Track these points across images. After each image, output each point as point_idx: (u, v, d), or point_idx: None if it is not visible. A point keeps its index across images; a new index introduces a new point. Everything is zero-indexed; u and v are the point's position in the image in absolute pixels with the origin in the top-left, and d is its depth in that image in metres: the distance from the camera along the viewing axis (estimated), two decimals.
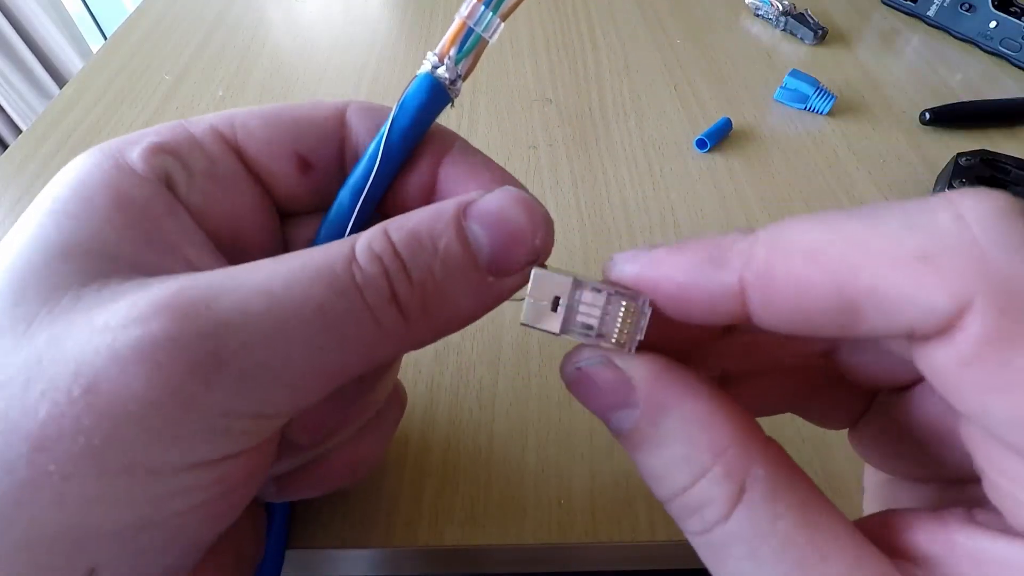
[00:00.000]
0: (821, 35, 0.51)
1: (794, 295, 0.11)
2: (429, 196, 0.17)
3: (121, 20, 0.54)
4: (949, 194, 0.10)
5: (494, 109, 0.44)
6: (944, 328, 0.10)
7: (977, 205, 0.10)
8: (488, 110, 0.44)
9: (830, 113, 0.44)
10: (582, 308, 0.14)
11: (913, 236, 0.10)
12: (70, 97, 0.45)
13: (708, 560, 0.12)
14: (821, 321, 0.11)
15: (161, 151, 0.15)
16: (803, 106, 0.44)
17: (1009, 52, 0.49)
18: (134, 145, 0.15)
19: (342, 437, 0.18)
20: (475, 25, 0.16)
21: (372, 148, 0.17)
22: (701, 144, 0.40)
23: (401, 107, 0.16)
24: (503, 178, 0.17)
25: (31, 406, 0.11)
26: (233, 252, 0.16)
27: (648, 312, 0.13)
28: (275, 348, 0.12)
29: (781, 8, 0.52)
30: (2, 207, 0.37)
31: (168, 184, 0.15)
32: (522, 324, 0.14)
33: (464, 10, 0.16)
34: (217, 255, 0.15)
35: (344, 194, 0.17)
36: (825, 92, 0.44)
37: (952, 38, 0.53)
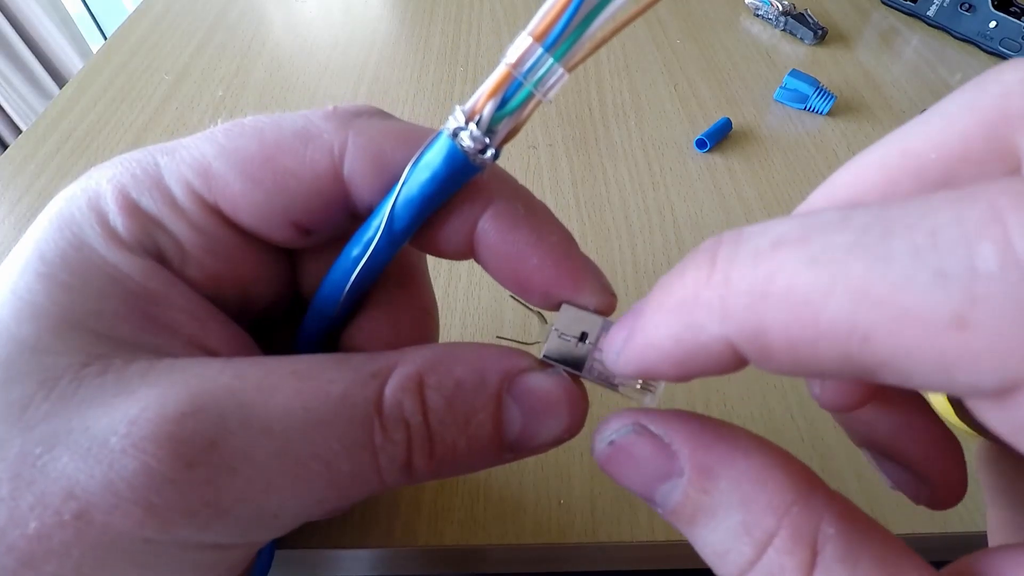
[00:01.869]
0: (821, 35, 0.51)
1: (793, 358, 0.09)
2: (462, 252, 0.15)
3: (121, 20, 0.54)
4: (982, 189, 0.07)
5: None
6: (996, 396, 0.07)
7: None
8: None
9: (830, 113, 0.44)
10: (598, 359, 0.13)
11: (943, 291, 0.07)
12: (70, 97, 0.45)
13: None
14: (832, 378, 0.10)
15: (148, 220, 0.14)
16: (803, 106, 0.44)
17: (1009, 52, 0.49)
18: (112, 201, 0.13)
19: None
20: (526, 75, 0.11)
21: (371, 224, 0.14)
22: (701, 144, 0.40)
23: (411, 173, 0.13)
24: (556, 244, 0.14)
25: (20, 517, 0.11)
26: (244, 301, 0.15)
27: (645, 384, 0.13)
28: (275, 497, 0.12)
29: (781, 8, 0.52)
30: (2, 207, 0.37)
31: (160, 260, 0.14)
32: (544, 357, 0.14)
33: (512, 54, 0.11)
34: (225, 321, 0.15)
35: (335, 275, 0.14)
36: (825, 92, 0.44)
37: (952, 38, 0.53)
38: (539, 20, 0.11)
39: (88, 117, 0.43)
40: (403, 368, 0.13)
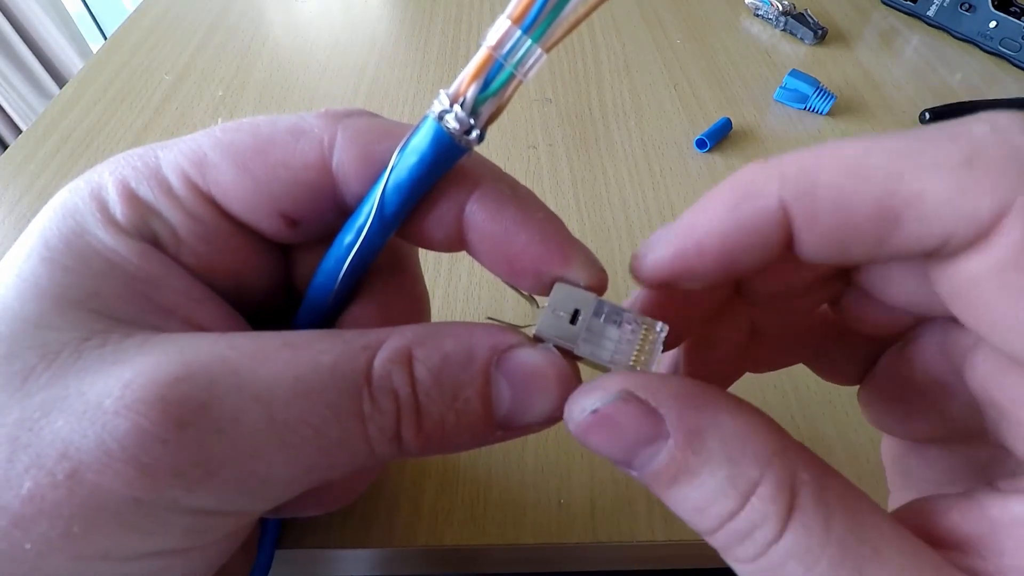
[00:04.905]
0: (821, 35, 0.51)
1: (836, 207, 0.11)
2: (452, 239, 0.15)
3: (121, 20, 0.54)
4: (982, 114, 0.10)
5: None
6: (982, 234, 0.10)
7: (1012, 121, 0.10)
8: None
9: (830, 113, 0.44)
10: (599, 329, 0.13)
11: (956, 144, 0.10)
12: (70, 97, 0.45)
13: None
14: (860, 236, 0.11)
15: (145, 208, 0.14)
16: (803, 106, 0.44)
17: (1009, 52, 0.49)
18: (113, 191, 0.14)
19: None
20: (506, 57, 0.12)
21: (363, 210, 0.14)
22: (701, 144, 0.40)
23: (400, 158, 0.13)
24: (543, 221, 0.15)
25: (15, 478, 0.11)
26: (238, 292, 0.16)
27: (663, 340, 0.13)
28: (263, 462, 0.12)
29: (781, 8, 0.52)
30: (2, 207, 0.37)
31: (157, 244, 0.14)
32: (536, 335, 0.14)
33: (492, 37, 0.12)
34: (219, 303, 0.15)
35: (328, 263, 0.15)
36: (825, 92, 0.44)
37: (952, 38, 0.53)
38: (516, 3, 0.11)
39: (88, 117, 0.43)
40: (393, 341, 0.13)
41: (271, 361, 0.12)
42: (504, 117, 0.48)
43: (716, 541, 0.12)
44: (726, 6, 0.56)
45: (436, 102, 0.13)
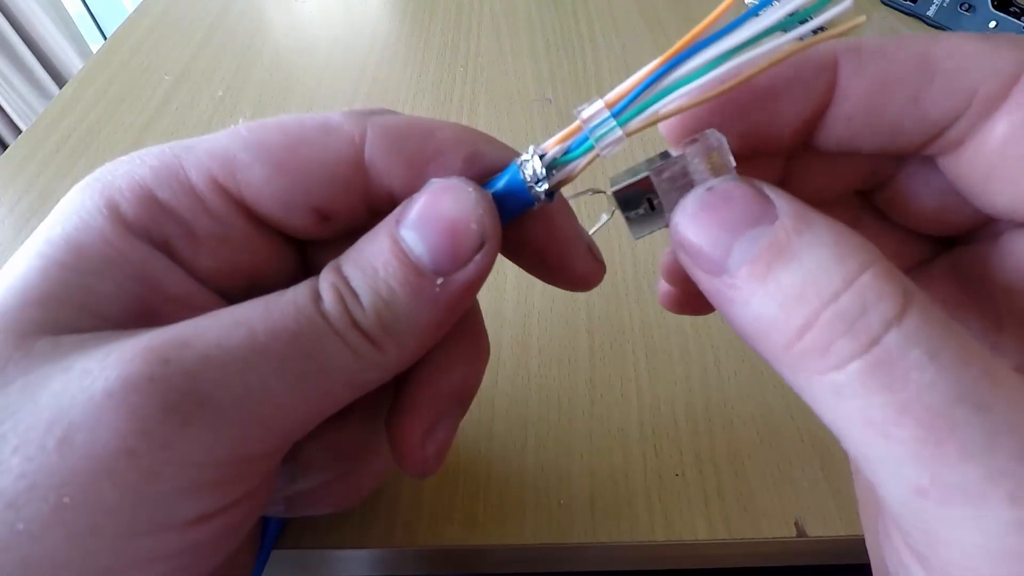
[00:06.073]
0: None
1: (880, 55, 0.13)
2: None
3: (121, 20, 0.54)
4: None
5: (494, 109, 0.44)
6: (1005, 88, 0.12)
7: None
8: (488, 110, 0.44)
9: None
10: (671, 183, 0.14)
11: (976, 33, 0.13)
12: (70, 97, 0.45)
13: (874, 394, 0.10)
14: (899, 87, 0.13)
15: (160, 210, 0.14)
16: None
17: None
18: (127, 191, 0.14)
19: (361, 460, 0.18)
20: (592, 131, 0.14)
21: None
22: None
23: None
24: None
25: (4, 460, 0.11)
26: (250, 295, 0.16)
27: (724, 138, 0.13)
28: (254, 379, 0.12)
29: None
30: (2, 207, 0.37)
31: (169, 247, 0.14)
32: (636, 239, 0.15)
33: (585, 111, 0.14)
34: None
35: None
36: None
37: None
38: (615, 91, 0.13)
39: (88, 117, 0.43)
40: (325, 268, 0.14)
41: (239, 308, 0.13)
42: (504, 117, 0.48)
43: (809, 341, 0.10)
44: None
45: (524, 152, 0.14)
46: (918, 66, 0.13)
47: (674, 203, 0.13)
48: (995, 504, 0.09)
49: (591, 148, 0.14)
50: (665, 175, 0.14)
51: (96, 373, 0.11)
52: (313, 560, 0.24)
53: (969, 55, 0.12)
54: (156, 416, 0.11)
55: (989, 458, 0.09)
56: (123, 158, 0.15)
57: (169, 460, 0.11)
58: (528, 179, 0.14)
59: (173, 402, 0.11)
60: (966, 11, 0.51)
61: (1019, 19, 0.48)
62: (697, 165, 0.13)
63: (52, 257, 0.13)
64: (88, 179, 0.14)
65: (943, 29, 0.53)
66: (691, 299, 0.17)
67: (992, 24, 0.49)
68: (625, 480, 0.25)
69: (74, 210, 0.14)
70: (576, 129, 0.14)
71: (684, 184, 0.13)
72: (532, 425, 0.26)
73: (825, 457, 0.25)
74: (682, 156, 0.13)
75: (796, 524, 0.23)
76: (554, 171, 0.14)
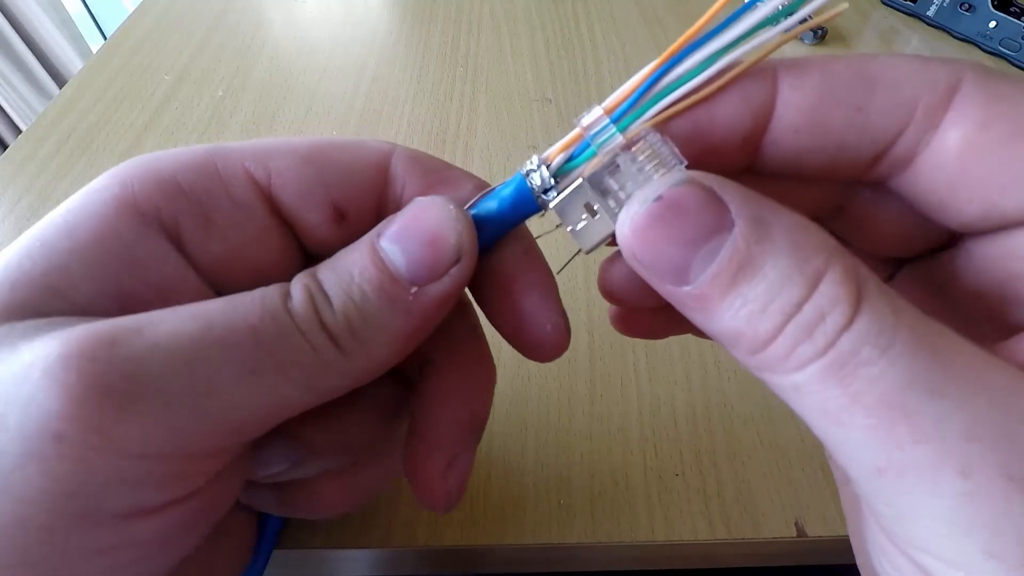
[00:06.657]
0: (821, 35, 0.51)
1: (821, 72, 0.13)
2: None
3: (121, 20, 0.54)
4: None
5: (494, 109, 0.44)
6: (944, 99, 0.12)
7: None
8: (488, 110, 0.44)
9: None
10: (615, 188, 0.13)
11: (910, 54, 0.13)
12: (70, 97, 0.45)
13: (828, 389, 0.11)
14: (840, 99, 0.13)
15: (178, 191, 0.14)
16: None
17: (1009, 52, 0.49)
18: (144, 172, 0.14)
19: (357, 458, 0.18)
20: (592, 139, 0.14)
21: None
22: None
23: (481, 202, 0.15)
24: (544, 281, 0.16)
25: None
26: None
27: (662, 136, 0.13)
28: (202, 371, 0.11)
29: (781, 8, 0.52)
30: (2, 207, 0.37)
31: (175, 231, 0.14)
32: (587, 253, 0.14)
33: (585, 119, 0.14)
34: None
35: None
36: None
37: (952, 38, 0.53)
38: (612, 98, 0.14)
39: (88, 117, 0.43)
40: (299, 273, 0.14)
41: (208, 302, 0.13)
42: (504, 117, 0.47)
43: (774, 349, 0.11)
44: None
45: (527, 162, 0.15)
46: (859, 79, 0.13)
47: (619, 206, 0.13)
48: (947, 478, 0.10)
49: (594, 154, 0.14)
50: (608, 182, 0.13)
51: (38, 351, 0.11)
52: (313, 560, 0.24)
53: (906, 71, 0.13)
54: (90, 399, 0.11)
55: (939, 439, 0.10)
56: (148, 154, 0.15)
57: (101, 448, 0.11)
58: (536, 188, 0.14)
59: (110, 385, 0.11)
60: (966, 11, 0.51)
61: (1019, 19, 0.48)
62: (643, 167, 0.13)
63: (41, 238, 0.13)
64: (120, 168, 0.14)
65: (943, 29, 0.53)
66: (638, 319, 0.17)
67: (992, 24, 0.49)
68: (625, 480, 0.25)
69: (84, 191, 0.14)
70: (577, 137, 0.14)
71: (626, 189, 0.13)
72: (532, 426, 0.26)
73: (825, 457, 0.25)
74: (625, 154, 0.13)
75: (796, 524, 0.23)
76: (558, 179, 0.15)
